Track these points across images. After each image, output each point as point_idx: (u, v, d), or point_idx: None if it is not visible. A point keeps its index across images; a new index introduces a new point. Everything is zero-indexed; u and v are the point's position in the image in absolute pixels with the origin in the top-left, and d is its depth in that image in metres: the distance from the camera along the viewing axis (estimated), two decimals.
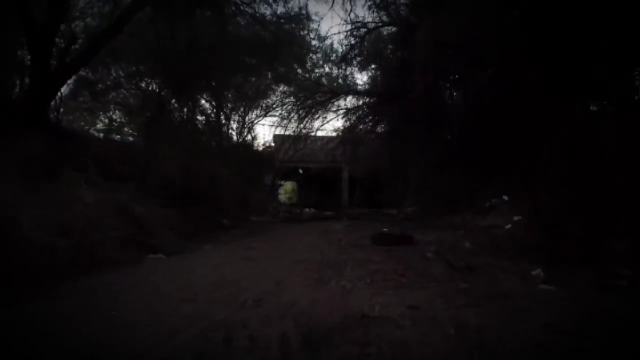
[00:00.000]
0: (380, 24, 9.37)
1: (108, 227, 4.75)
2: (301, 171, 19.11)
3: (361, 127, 12.46)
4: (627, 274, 3.06)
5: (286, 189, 23.94)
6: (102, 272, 3.85)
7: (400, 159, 11.17)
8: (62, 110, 10.28)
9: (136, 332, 2.21)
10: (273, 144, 17.03)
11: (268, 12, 10.15)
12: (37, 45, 6.92)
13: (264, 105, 15.72)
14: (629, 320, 2.32)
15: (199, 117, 13.14)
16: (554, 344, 1.95)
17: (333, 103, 13.21)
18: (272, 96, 15.29)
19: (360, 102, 12.54)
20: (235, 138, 15.59)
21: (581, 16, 4.86)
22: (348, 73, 12.76)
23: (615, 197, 3.88)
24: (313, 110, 13.29)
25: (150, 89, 11.78)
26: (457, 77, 7.92)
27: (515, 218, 6.36)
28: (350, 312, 2.43)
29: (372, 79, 12.25)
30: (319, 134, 14.79)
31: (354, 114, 12.56)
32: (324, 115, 13.70)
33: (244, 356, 1.91)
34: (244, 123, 15.92)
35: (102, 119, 13.21)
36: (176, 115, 11.82)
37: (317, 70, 14.14)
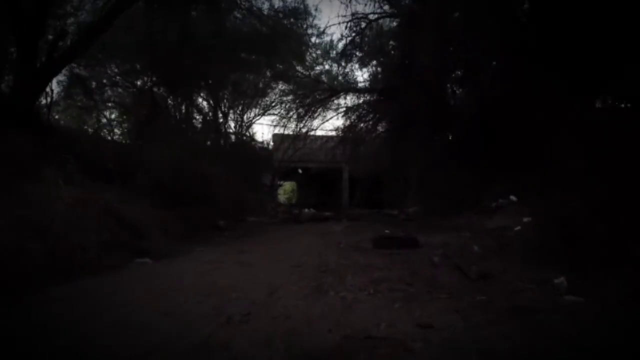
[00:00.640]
0: (382, 14, 9.01)
1: (91, 230, 4.42)
2: (300, 171, 18.80)
3: (361, 125, 12.16)
4: None
5: (285, 189, 23.67)
6: (80, 278, 3.52)
7: (401, 158, 10.85)
8: (52, 107, 10.05)
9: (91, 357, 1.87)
10: (272, 143, 16.73)
11: (265, 6, 9.85)
12: (23, 38, 6.61)
13: (263, 104, 15.44)
14: None
15: (196, 115, 12.83)
16: None
17: (333, 101, 12.95)
18: (270, 94, 15.04)
19: (361, 100, 12.25)
20: (232, 137, 15.28)
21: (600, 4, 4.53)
22: (348, 70, 12.50)
23: None
24: (312, 109, 12.99)
25: (145, 87, 11.46)
26: (462, 70, 7.57)
27: (525, 219, 6.02)
28: (351, 331, 2.09)
29: (373, 76, 11.93)
30: (319, 132, 14.52)
31: (354, 112, 12.26)
32: (324, 114, 13.44)
33: None
34: (242, 121, 15.62)
35: (98, 117, 12.89)
36: (171, 113, 11.49)
37: (316, 68, 13.90)
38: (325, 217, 11.23)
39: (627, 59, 4.74)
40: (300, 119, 13.24)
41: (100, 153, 8.07)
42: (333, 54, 12.71)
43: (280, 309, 2.55)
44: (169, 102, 11.41)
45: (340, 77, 13.13)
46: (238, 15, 10.03)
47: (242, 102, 14.97)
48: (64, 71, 10.11)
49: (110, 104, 12.34)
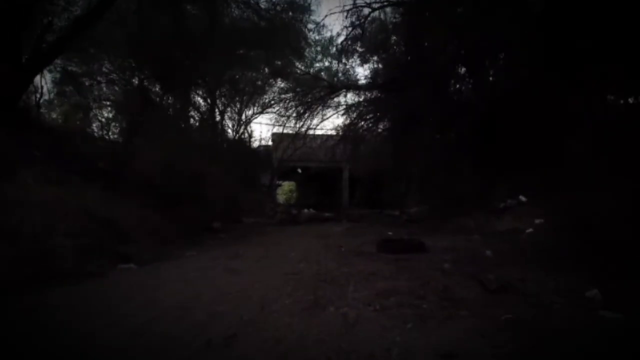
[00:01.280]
0: (386, 3, 8.58)
1: (68, 233, 4.05)
2: (300, 170, 18.41)
3: (362, 123, 11.77)
4: None
5: (284, 189, 23.31)
6: (49, 288, 3.14)
7: (403, 156, 10.47)
8: (41, 104, 9.69)
9: None
10: (271, 142, 16.36)
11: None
12: (5, 30, 6.24)
13: (261, 102, 15.05)
14: None
15: (191, 113, 12.43)
16: None
17: (332, 98, 12.53)
18: (269, 92, 14.65)
19: (361, 98, 11.86)
20: (230, 135, 14.90)
21: None
22: (348, 66, 12.07)
23: None
24: (312, 107, 12.59)
25: (141, 84, 11.08)
26: (469, 63, 7.18)
27: (537, 220, 5.67)
28: (355, 359, 1.72)
29: (374, 72, 11.54)
30: (318, 131, 14.13)
31: (355, 110, 11.87)
32: (323, 112, 13.03)
33: None
34: (240, 119, 15.24)
35: (89, 115, 12.50)
36: (165, 110, 11.10)
37: (315, 65, 13.50)
38: (324, 218, 10.89)
39: None
40: (299, 117, 12.86)
41: (90, 151, 7.72)
42: (333, 50, 12.36)
43: (272, 328, 2.17)
44: (163, 98, 11.02)
45: (340, 74, 12.75)
46: (234, 9, 9.64)
47: (239, 99, 14.59)
48: (56, 68, 9.82)
49: (103, 102, 11.98)
